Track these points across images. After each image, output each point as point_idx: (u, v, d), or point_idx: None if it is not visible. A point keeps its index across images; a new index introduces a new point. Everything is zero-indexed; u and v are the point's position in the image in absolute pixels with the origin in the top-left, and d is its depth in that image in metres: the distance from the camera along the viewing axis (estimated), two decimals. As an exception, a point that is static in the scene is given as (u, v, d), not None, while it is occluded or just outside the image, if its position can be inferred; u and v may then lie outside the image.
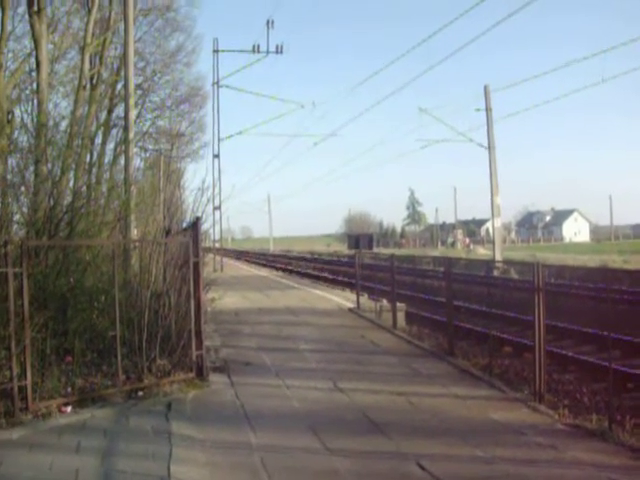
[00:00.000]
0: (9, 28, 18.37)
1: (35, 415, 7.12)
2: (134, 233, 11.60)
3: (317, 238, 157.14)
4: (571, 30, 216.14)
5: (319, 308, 16.42)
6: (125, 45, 14.69)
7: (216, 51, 35.44)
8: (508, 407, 7.41)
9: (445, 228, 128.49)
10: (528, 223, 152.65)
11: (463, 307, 16.76)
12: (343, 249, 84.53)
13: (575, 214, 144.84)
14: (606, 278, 19.59)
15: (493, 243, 36.83)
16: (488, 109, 35.61)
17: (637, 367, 10.54)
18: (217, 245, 38.61)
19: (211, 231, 27.84)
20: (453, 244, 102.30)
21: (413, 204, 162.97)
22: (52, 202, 9.33)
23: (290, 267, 44.52)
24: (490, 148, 35.56)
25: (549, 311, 7.86)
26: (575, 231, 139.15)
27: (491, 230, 42.26)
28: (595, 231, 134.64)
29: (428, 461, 5.69)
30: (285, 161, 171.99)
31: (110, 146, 25.77)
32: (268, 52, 35.19)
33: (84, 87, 21.19)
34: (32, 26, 17.00)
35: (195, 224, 9.11)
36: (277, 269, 41.16)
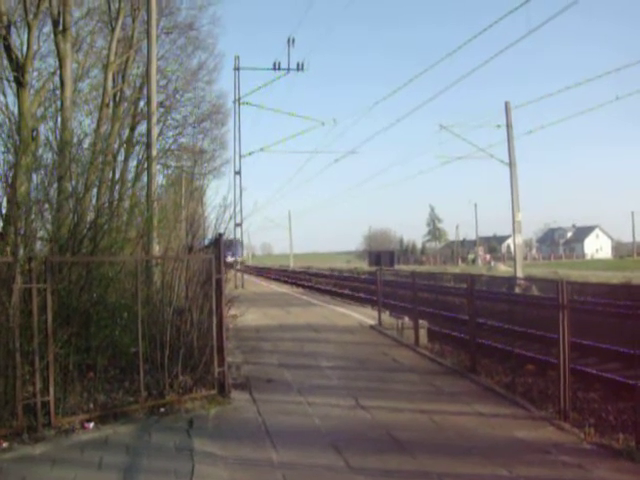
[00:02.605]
0: (35, 47, 18.61)
1: (58, 431, 7.16)
2: (156, 250, 11.64)
3: (337, 255, 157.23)
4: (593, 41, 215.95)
5: (340, 325, 16.36)
6: (148, 63, 14.83)
7: (237, 69, 35.65)
8: (533, 425, 7.32)
9: (466, 244, 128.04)
10: (549, 239, 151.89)
11: (485, 324, 16.64)
12: (363, 266, 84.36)
13: (597, 230, 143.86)
14: (631, 294, 19.42)
15: (514, 260, 36.60)
16: (509, 125, 35.55)
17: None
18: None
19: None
20: (474, 261, 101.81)
21: (433, 221, 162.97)
22: (76, 219, 9.38)
23: (310, 284, 44.49)
24: (511, 165, 35.45)
25: (572, 328, 7.76)
26: (597, 247, 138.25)
27: (512, 247, 41.99)
28: (617, 247, 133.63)
29: (452, 480, 5.65)
30: (306, 178, 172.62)
31: (133, 163, 25.99)
32: (289, 69, 35.33)
33: (107, 105, 21.46)
34: (57, 45, 17.30)
35: (217, 241, 9.13)
36: (297, 286, 41.13)
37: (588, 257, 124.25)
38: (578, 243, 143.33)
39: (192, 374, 8.65)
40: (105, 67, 22.03)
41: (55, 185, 9.57)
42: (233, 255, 64.18)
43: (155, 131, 15.30)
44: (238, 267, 61.63)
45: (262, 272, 72.05)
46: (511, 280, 31.11)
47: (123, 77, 25.66)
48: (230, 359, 9.92)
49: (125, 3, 23.00)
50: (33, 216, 8.84)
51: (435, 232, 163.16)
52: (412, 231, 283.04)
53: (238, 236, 51.62)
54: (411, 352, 12.35)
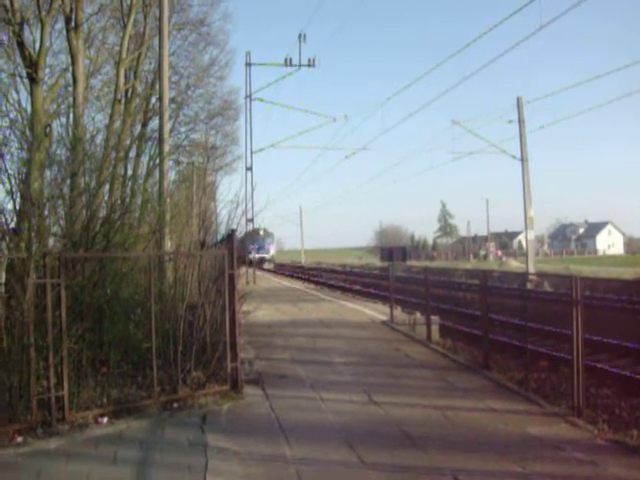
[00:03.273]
0: (47, 44, 18.66)
1: (72, 425, 7.20)
2: (168, 245, 11.65)
3: (348, 250, 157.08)
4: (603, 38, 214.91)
5: (352, 321, 16.35)
6: (159, 59, 14.83)
7: (249, 64, 35.64)
8: (546, 422, 7.30)
9: (477, 240, 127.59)
10: (561, 235, 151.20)
11: (497, 320, 16.61)
12: (374, 262, 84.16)
13: (609, 226, 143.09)
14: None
15: (526, 255, 36.46)
16: (521, 121, 35.37)
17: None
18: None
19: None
20: (485, 256, 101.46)
21: (445, 216, 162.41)
22: (89, 215, 9.42)
23: (322, 280, 44.44)
24: (523, 160, 35.28)
25: (585, 324, 7.73)
26: (609, 243, 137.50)
27: (524, 242, 41.82)
28: (629, 243, 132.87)
29: (465, 476, 5.64)
30: (317, 174, 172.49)
31: (145, 159, 26.00)
32: (300, 65, 35.28)
33: (119, 101, 21.51)
34: (69, 42, 17.36)
35: (230, 236, 9.13)
36: (309, 281, 41.09)
37: (600, 253, 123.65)
38: (590, 239, 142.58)
39: (205, 370, 8.68)
40: (117, 63, 22.05)
41: (68, 181, 9.61)
42: (260, 250, 61.88)
43: (167, 127, 15.32)
44: (266, 266, 59.55)
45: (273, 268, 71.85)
46: (523, 276, 31.02)
47: (135, 73, 25.67)
48: (243, 355, 9.95)
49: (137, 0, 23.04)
50: (47, 212, 8.87)
51: (446, 228, 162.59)
52: (423, 227, 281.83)
53: (265, 228, 50.47)
54: (423, 348, 12.33)
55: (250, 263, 34.00)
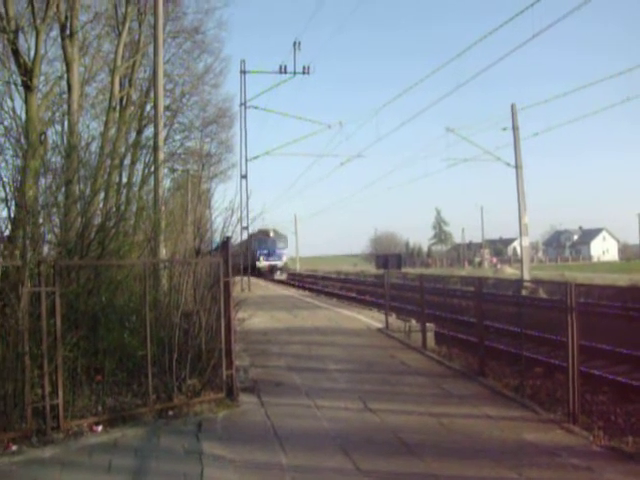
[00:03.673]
0: (42, 52, 18.66)
1: (67, 434, 7.18)
2: (163, 253, 11.63)
3: (343, 258, 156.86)
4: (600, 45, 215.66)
5: (348, 328, 16.34)
6: (154, 67, 14.85)
7: (243, 72, 35.69)
8: (542, 428, 7.30)
9: (472, 247, 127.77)
10: (556, 242, 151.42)
11: (492, 327, 16.59)
12: (369, 269, 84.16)
13: (603, 233, 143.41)
14: (637, 297, 19.34)
15: (521, 262, 36.52)
16: (515, 128, 35.48)
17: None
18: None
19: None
20: (480, 263, 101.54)
21: (439, 224, 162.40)
22: (84, 222, 9.40)
23: (317, 287, 44.42)
24: (517, 167, 35.37)
25: (580, 330, 7.73)
26: (603, 250, 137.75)
27: (518, 249, 41.86)
28: (624, 250, 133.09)
29: (461, 483, 5.64)
30: (312, 181, 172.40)
31: (140, 167, 25.97)
32: (295, 73, 35.35)
33: (114, 108, 21.50)
34: (64, 49, 17.38)
35: (225, 244, 9.13)
36: (304, 289, 41.05)
37: (595, 259, 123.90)
38: (584, 245, 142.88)
39: (200, 377, 8.66)
40: (112, 71, 22.06)
41: (63, 189, 9.59)
42: (269, 257, 57.17)
43: (162, 135, 15.31)
44: (277, 276, 54.84)
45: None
46: (518, 283, 31.04)
47: (130, 81, 25.67)
48: (238, 362, 9.93)
49: (132, 8, 23.06)
50: (41, 220, 8.85)
51: (441, 235, 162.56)
52: (418, 234, 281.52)
53: (275, 229, 48.58)
54: (419, 355, 12.33)
55: (244, 270, 33.52)
